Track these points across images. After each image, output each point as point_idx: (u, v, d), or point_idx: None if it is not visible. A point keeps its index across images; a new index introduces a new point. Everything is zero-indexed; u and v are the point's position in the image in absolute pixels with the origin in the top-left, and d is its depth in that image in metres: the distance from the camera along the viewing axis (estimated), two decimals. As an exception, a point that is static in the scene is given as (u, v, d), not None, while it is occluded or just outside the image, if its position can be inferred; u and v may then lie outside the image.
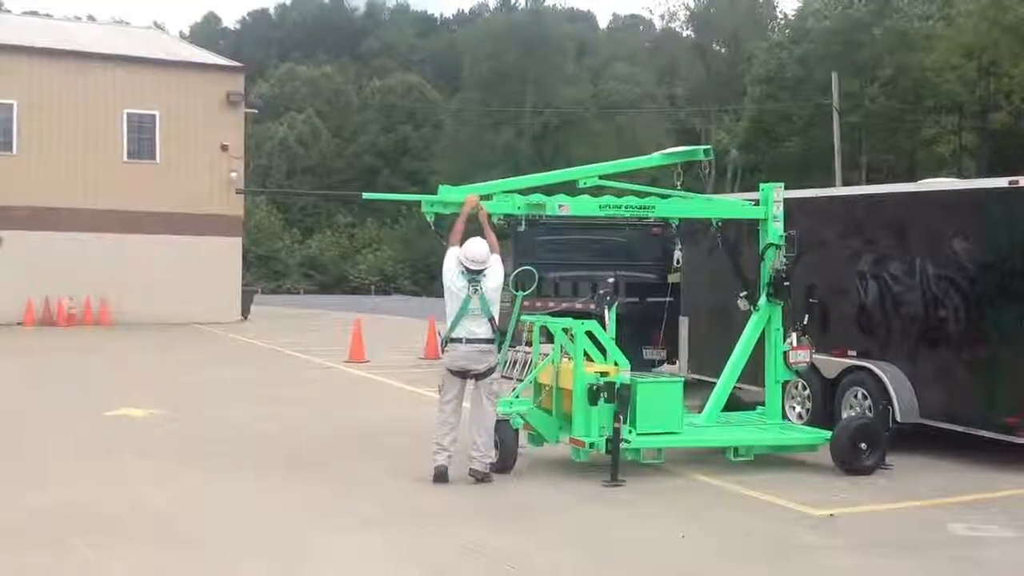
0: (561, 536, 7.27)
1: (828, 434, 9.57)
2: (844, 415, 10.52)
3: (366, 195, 11.24)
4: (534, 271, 9.98)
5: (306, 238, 75.51)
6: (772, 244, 9.86)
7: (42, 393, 14.82)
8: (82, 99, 29.89)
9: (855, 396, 10.63)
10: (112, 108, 30.26)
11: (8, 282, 28.08)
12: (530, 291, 10.11)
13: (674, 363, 14.99)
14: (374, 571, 6.53)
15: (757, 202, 10.15)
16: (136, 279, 29.22)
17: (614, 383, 8.82)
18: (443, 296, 9.04)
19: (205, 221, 30.54)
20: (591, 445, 8.84)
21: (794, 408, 11.35)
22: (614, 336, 9.40)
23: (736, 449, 9.46)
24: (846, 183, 39.31)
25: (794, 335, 9.83)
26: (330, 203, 77.91)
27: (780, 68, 55.38)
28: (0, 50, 29.44)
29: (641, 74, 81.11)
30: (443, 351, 8.93)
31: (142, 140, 30.71)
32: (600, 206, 9.64)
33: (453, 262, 8.87)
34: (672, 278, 15.39)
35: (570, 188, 9.92)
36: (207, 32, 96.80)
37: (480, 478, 8.67)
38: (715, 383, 10.33)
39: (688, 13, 78.49)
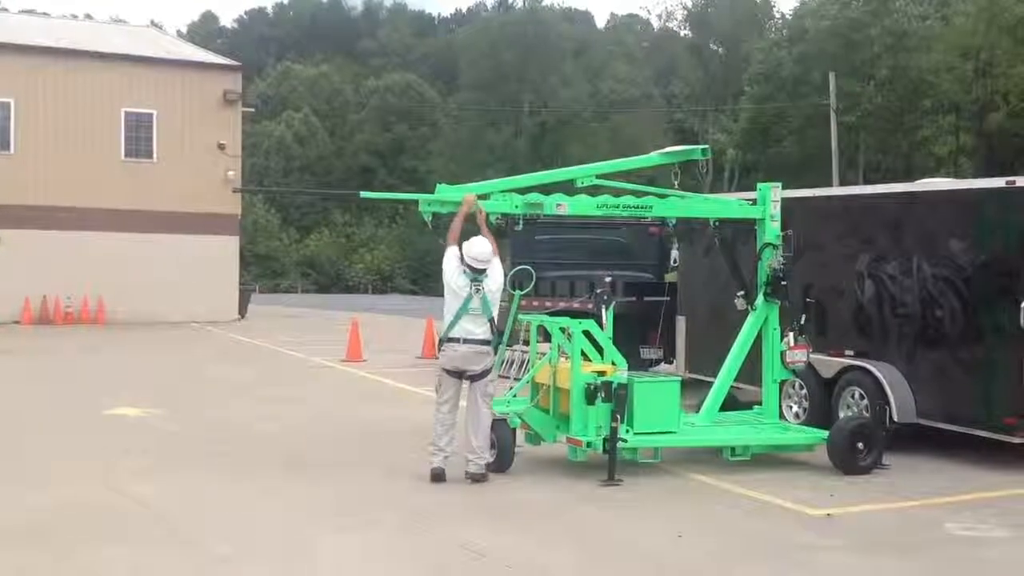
0: (559, 535, 7.27)
1: (825, 434, 9.58)
2: (841, 415, 10.54)
3: (364, 194, 11.22)
4: (531, 270, 9.98)
5: (303, 237, 75.54)
6: (769, 244, 9.87)
7: (40, 393, 14.81)
8: (79, 98, 29.88)
9: (852, 396, 10.64)
10: (109, 107, 30.25)
11: (5, 281, 28.06)
12: (528, 290, 10.12)
13: (671, 362, 14.99)
14: (373, 570, 6.54)
15: (754, 202, 10.16)
16: (133, 278, 29.20)
17: (611, 382, 8.82)
18: (441, 295, 9.04)
19: (202, 220, 30.52)
20: (588, 444, 8.84)
21: (791, 408, 11.36)
22: (611, 335, 9.42)
23: (733, 449, 9.47)
24: (843, 183, 39.36)
25: (791, 335, 9.84)
26: (327, 202, 77.91)
27: (777, 68, 55.43)
28: (-3, 49, 29.45)
29: (638, 74, 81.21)
30: (440, 350, 8.91)
31: (139, 139, 30.70)
32: (598, 205, 9.65)
33: (454, 261, 8.85)
34: (669, 277, 15.40)
35: (568, 187, 9.92)
36: (204, 31, 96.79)
37: (477, 479, 8.68)
38: (712, 382, 10.35)
39: (685, 13, 78.49)
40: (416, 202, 9.36)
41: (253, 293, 35.25)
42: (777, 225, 9.93)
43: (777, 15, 74.34)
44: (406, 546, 6.99)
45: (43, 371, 17.77)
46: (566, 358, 9.25)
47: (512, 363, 15.51)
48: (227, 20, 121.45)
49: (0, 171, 28.82)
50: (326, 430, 11.54)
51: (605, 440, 8.74)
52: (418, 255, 66.69)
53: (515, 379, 13.29)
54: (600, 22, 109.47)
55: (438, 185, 9.38)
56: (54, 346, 22.22)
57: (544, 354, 9.66)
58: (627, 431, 8.95)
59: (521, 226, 9.70)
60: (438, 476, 8.63)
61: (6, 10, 38.72)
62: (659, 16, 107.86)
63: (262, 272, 66.96)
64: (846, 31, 50.54)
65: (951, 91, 48.58)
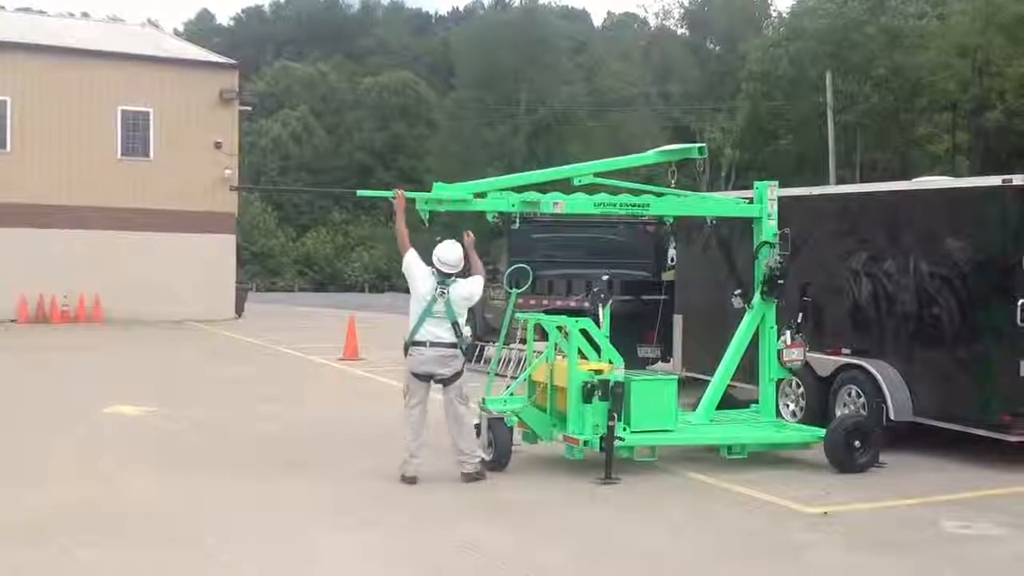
0: (556, 533, 7.28)
1: (822, 432, 9.59)
2: (838, 413, 10.55)
3: (360, 192, 11.18)
4: (528, 269, 9.98)
5: (300, 235, 75.49)
6: (766, 242, 9.88)
7: (37, 392, 14.80)
8: (76, 96, 29.84)
9: (849, 394, 10.65)
10: (106, 105, 30.22)
11: (1, 280, 28.03)
12: (524, 289, 10.12)
13: (668, 361, 15.01)
14: (372, 569, 6.54)
15: (751, 200, 10.17)
16: (129, 277, 29.17)
17: (608, 381, 8.83)
18: None
19: (199, 218, 30.50)
20: (585, 443, 8.85)
21: (788, 406, 11.37)
22: (608, 334, 9.42)
23: (730, 447, 9.48)
24: (840, 181, 39.38)
25: (788, 333, 9.86)
26: (325, 200, 77.84)
27: (774, 66, 55.41)
28: (-6, 47, 29.41)
29: (636, 72, 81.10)
30: (407, 355, 8.81)
31: (136, 137, 30.67)
32: (595, 204, 9.65)
33: (421, 266, 8.83)
34: (667, 276, 15.41)
35: (565, 186, 9.93)
36: (201, 29, 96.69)
37: (474, 479, 8.67)
38: (709, 381, 10.36)
39: (682, 11, 78.61)
40: (412, 200, 9.36)
41: (250, 292, 35.17)
42: (774, 224, 9.94)
43: (774, 13, 74.45)
44: (404, 545, 6.99)
45: (40, 370, 17.75)
46: (563, 356, 9.25)
47: (509, 361, 15.52)
48: (224, 18, 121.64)
49: (-3, 169, 28.80)
50: (324, 429, 11.54)
51: (602, 438, 8.75)
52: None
53: (512, 377, 13.30)
54: (597, 20, 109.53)
55: (435, 184, 9.38)
56: (51, 345, 22.20)
57: (541, 352, 9.67)
58: (624, 429, 8.96)
59: (518, 225, 9.71)
60: (412, 482, 8.60)
61: (2, 8, 38.58)
62: (656, 14, 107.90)
63: (259, 270, 66.93)
64: (843, 30, 50.55)
65: (948, 89, 48.57)
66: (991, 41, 44.65)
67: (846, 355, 10.81)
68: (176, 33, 73.42)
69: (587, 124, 71.77)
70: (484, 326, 17.83)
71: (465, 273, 9.03)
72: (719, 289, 11.15)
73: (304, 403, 13.85)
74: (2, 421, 11.95)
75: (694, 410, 10.17)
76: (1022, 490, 8.90)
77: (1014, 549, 7.18)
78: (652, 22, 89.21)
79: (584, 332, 9.24)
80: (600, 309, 9.67)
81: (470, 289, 8.89)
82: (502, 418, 9.18)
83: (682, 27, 79.85)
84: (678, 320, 13.97)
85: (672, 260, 15.62)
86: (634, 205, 9.88)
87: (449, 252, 8.83)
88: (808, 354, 10.11)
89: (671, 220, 11.72)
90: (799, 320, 9.94)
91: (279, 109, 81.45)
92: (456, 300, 8.74)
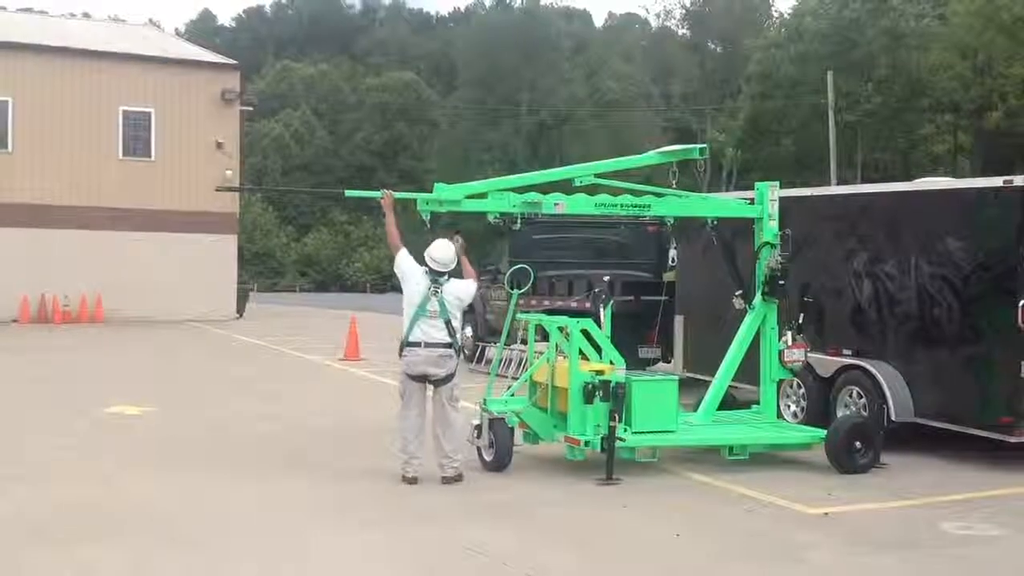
0: (557, 534, 7.28)
1: (823, 433, 9.58)
2: (839, 414, 10.54)
3: (349, 192, 11.10)
4: (530, 269, 9.98)
5: (302, 236, 75.55)
6: (767, 243, 9.88)
7: (38, 391, 14.80)
8: (77, 96, 29.87)
9: (850, 395, 10.64)
10: (107, 105, 30.24)
11: (2, 280, 28.05)
12: (526, 289, 10.12)
13: (669, 362, 15.00)
14: (373, 570, 6.54)
15: (752, 201, 10.17)
16: (131, 277, 29.20)
17: (609, 381, 8.83)
18: None
19: (200, 219, 30.52)
20: (586, 444, 8.85)
21: (789, 407, 11.36)
22: (609, 335, 9.42)
23: (731, 448, 9.48)
24: (841, 182, 39.37)
25: (789, 334, 9.85)
26: (326, 201, 77.87)
27: (776, 67, 55.43)
28: (-5, 47, 29.43)
29: (637, 73, 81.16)
30: (401, 356, 8.77)
31: (137, 137, 30.70)
32: (596, 204, 9.65)
33: (413, 265, 8.79)
34: (668, 277, 15.40)
35: (566, 187, 9.93)
36: (203, 29, 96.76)
37: (454, 481, 8.62)
38: (710, 382, 10.35)
39: (684, 12, 78.61)
40: (411, 201, 9.36)
41: (251, 292, 35.19)
42: (775, 224, 9.94)
43: (775, 14, 74.48)
44: (406, 545, 6.99)
45: (41, 370, 17.75)
46: (564, 357, 9.25)
47: (510, 362, 15.51)
48: (225, 19, 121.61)
49: (-2, 170, 28.81)
50: (325, 429, 11.54)
51: (603, 439, 8.74)
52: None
53: (513, 378, 13.29)
54: (598, 21, 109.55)
55: (436, 184, 9.38)
56: (52, 345, 22.21)
57: (542, 353, 9.66)
58: (625, 430, 8.95)
59: (519, 225, 9.70)
60: (413, 482, 8.58)
61: (4, 8, 38.61)
62: (657, 15, 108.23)
63: (260, 271, 66.96)
64: (844, 31, 50.57)
65: (949, 90, 48.62)
66: (992, 42, 44.67)
67: (847, 356, 10.81)
68: (178, 33, 73.45)
69: (588, 124, 71.85)
70: (485, 327, 17.84)
71: (458, 274, 9.03)
72: (720, 290, 11.14)
73: (305, 403, 13.85)
74: (3, 421, 11.95)
75: (695, 411, 10.16)
76: (1023, 491, 8.90)
77: (1015, 550, 7.17)
78: (653, 23, 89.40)
79: (585, 333, 9.24)
80: (601, 310, 9.67)
81: (463, 289, 8.88)
82: (503, 419, 9.18)
83: (683, 28, 79.91)
84: (679, 321, 13.97)
85: (673, 261, 15.61)
86: (635, 206, 9.88)
87: (441, 251, 8.82)
88: (809, 355, 10.10)
89: (672, 221, 11.71)
90: (800, 321, 9.93)
91: (281, 109, 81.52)
92: (449, 299, 8.73)
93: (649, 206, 9.93)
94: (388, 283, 69.52)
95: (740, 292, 10.20)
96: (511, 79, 73.31)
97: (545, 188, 9.79)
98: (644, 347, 15.13)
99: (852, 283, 10.92)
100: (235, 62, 33.94)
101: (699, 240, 13.06)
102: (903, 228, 10.48)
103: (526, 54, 73.15)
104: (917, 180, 12.64)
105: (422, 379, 8.76)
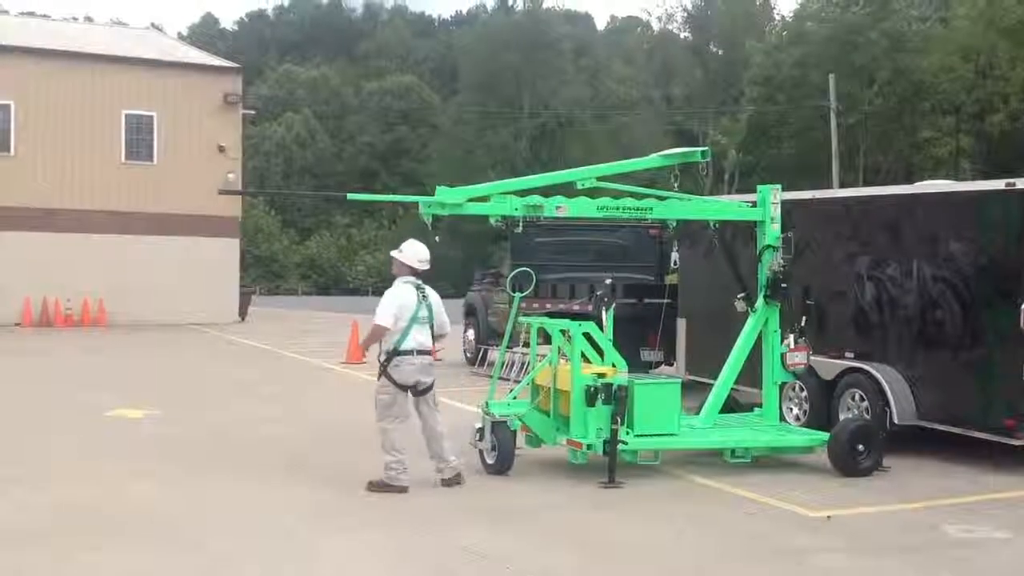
0: (559, 537, 7.28)
1: (825, 436, 9.58)
2: (841, 417, 10.53)
3: (350, 196, 11.09)
4: (532, 272, 9.98)
5: (304, 239, 75.60)
6: (769, 246, 9.88)
7: (41, 394, 14.82)
8: (80, 100, 29.91)
9: (852, 398, 10.64)
10: (110, 109, 30.29)
11: (5, 283, 28.10)
12: (528, 292, 10.11)
13: (671, 365, 15.00)
14: (374, 571, 6.54)
15: (754, 204, 10.17)
16: (133, 280, 29.24)
17: (611, 385, 8.82)
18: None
19: (202, 222, 30.55)
20: (588, 447, 8.84)
21: (791, 410, 11.36)
22: (611, 338, 9.41)
23: (733, 451, 9.47)
24: (843, 185, 39.37)
25: (791, 337, 9.85)
26: (329, 204, 77.93)
27: (777, 70, 55.44)
28: (-2, 51, 29.48)
29: (639, 76, 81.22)
30: (392, 364, 8.50)
31: (140, 141, 30.74)
32: (598, 208, 9.64)
33: (394, 291, 8.69)
34: (670, 280, 15.41)
35: (568, 190, 9.92)
36: (205, 33, 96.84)
37: (456, 483, 8.57)
38: (712, 385, 10.35)
39: (685, 15, 78.64)
40: (409, 203, 9.35)
41: (253, 295, 35.20)
42: (777, 227, 9.94)
43: (777, 17, 74.50)
44: (407, 548, 6.99)
45: (44, 373, 17.77)
46: (566, 360, 9.24)
47: (512, 365, 15.51)
48: (227, 22, 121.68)
49: (0, 173, 28.83)
50: (327, 432, 11.54)
51: (605, 442, 8.74)
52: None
53: (515, 381, 13.29)
54: (600, 24, 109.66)
55: (437, 188, 9.38)
56: (55, 348, 22.23)
57: (544, 356, 9.66)
58: (627, 433, 8.94)
59: (521, 228, 9.70)
60: (404, 490, 8.46)
61: (6, 12, 38.69)
62: (659, 18, 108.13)
63: (262, 274, 67.00)
64: (846, 33, 50.57)
65: (951, 93, 48.61)
66: (994, 44, 44.66)
67: (849, 359, 10.81)
68: (180, 37, 73.58)
69: (590, 128, 71.86)
70: (487, 330, 17.84)
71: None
72: (722, 293, 11.14)
73: (306, 406, 13.86)
74: (5, 423, 11.96)
75: (697, 414, 10.16)
76: (1026, 494, 8.90)
77: (1017, 553, 7.16)
78: (655, 25, 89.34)
79: (587, 336, 9.24)
80: (603, 313, 9.66)
81: (437, 295, 8.84)
82: (505, 422, 9.17)
83: (685, 31, 79.90)
84: (681, 324, 13.97)
85: (675, 264, 15.61)
86: (637, 209, 9.87)
87: (425, 250, 8.82)
88: (811, 358, 10.09)
89: (674, 224, 11.71)
90: (802, 324, 9.93)
91: (283, 113, 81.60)
92: (434, 302, 8.71)
93: (651, 209, 9.93)
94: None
95: (742, 295, 10.20)
96: (512, 82, 73.37)
97: (547, 191, 9.79)
98: (646, 350, 15.13)
99: (854, 286, 10.91)
100: (237, 65, 34.00)
101: (701, 243, 13.07)
102: (905, 231, 10.48)
103: (528, 57, 73.20)
104: (919, 183, 12.64)
105: (410, 388, 8.62)
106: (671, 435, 9.26)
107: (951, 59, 47.83)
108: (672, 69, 77.21)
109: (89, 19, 52.09)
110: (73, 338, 24.71)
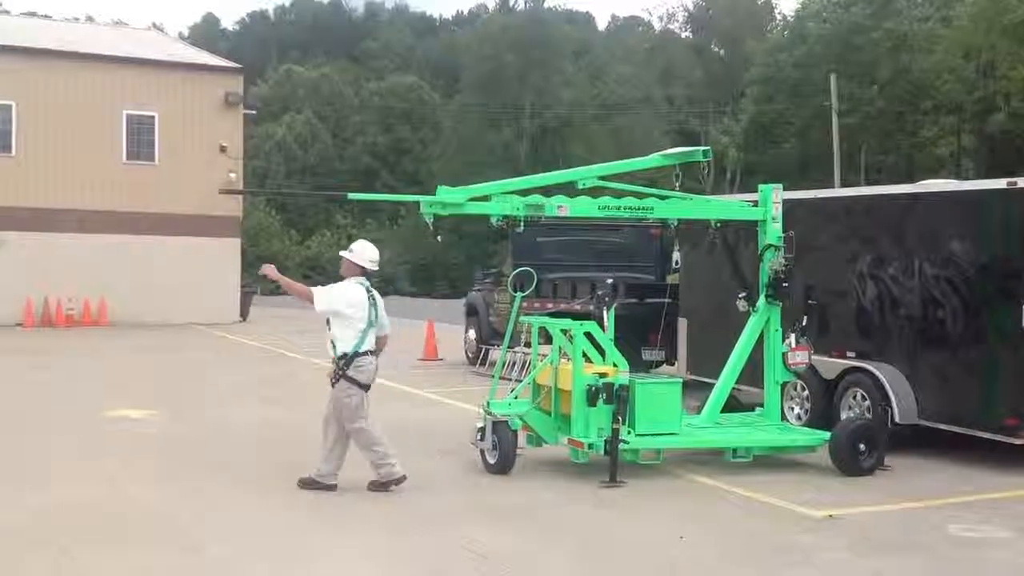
0: (560, 537, 7.28)
1: (827, 435, 9.58)
2: (843, 416, 10.53)
3: (351, 195, 11.14)
4: (533, 272, 9.98)
5: (305, 239, 75.56)
6: (771, 245, 9.87)
7: (42, 394, 14.82)
8: (81, 100, 29.88)
9: (854, 397, 10.63)
10: (111, 109, 30.25)
11: (7, 283, 28.07)
12: (529, 292, 10.11)
13: (673, 364, 14.99)
14: (374, 571, 6.54)
15: (756, 203, 10.16)
16: (135, 280, 29.21)
17: (613, 384, 8.82)
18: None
19: (204, 222, 30.51)
20: (590, 446, 8.84)
21: (793, 409, 11.36)
22: (612, 337, 9.41)
23: (735, 450, 9.47)
24: (845, 184, 39.34)
25: (793, 336, 9.84)
26: (330, 204, 77.96)
27: (779, 70, 55.40)
28: (-1, 51, 29.48)
29: (640, 75, 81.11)
30: (355, 367, 8.53)
31: (141, 141, 30.70)
32: (599, 207, 9.64)
33: (341, 286, 8.68)
34: (672, 279, 15.40)
35: (569, 189, 9.92)
36: (206, 33, 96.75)
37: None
38: (714, 384, 10.34)
39: (687, 14, 78.64)
40: (408, 203, 9.36)
41: (255, 295, 35.17)
42: (779, 227, 9.93)
43: (778, 16, 74.47)
44: (407, 547, 6.99)
45: (45, 373, 17.76)
46: (567, 360, 9.24)
47: (513, 365, 15.51)
48: (228, 22, 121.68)
49: (2, 173, 28.84)
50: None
51: (607, 442, 8.74)
52: (419, 257, 66.69)
53: (516, 381, 13.28)
54: (601, 24, 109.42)
55: (439, 187, 9.39)
56: (56, 348, 22.23)
57: (545, 355, 9.66)
58: (629, 433, 8.95)
59: (522, 228, 9.70)
60: (401, 480, 8.44)
61: (7, 12, 38.71)
62: (660, 18, 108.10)
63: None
64: (847, 33, 50.55)
65: (953, 92, 48.54)
66: (996, 44, 44.63)
67: (851, 358, 10.80)
68: (181, 37, 73.58)
69: (591, 127, 71.82)
70: (488, 329, 17.83)
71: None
72: (724, 292, 11.13)
73: (307, 406, 13.82)
74: (6, 423, 11.96)
75: (699, 413, 10.15)
76: (1028, 493, 8.89)
77: (1019, 552, 7.16)
78: (656, 25, 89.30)
79: (588, 335, 9.23)
80: (604, 312, 9.66)
81: (379, 298, 8.82)
82: (506, 421, 9.17)
83: (686, 30, 79.90)
84: (683, 323, 13.96)
85: (676, 263, 15.61)
86: (638, 208, 9.87)
87: (375, 250, 8.86)
88: (813, 357, 10.09)
89: (675, 223, 11.70)
90: (804, 323, 9.92)
91: (284, 113, 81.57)
92: (380, 302, 8.71)
93: (652, 208, 9.93)
94: (391, 286, 69.67)
95: (744, 294, 10.19)
96: (514, 82, 73.31)
97: (548, 191, 9.79)
98: (647, 350, 15.12)
99: (856, 285, 10.91)
100: (238, 65, 33.96)
101: (702, 242, 13.06)
102: (907, 230, 10.47)
103: (529, 57, 73.13)
104: (920, 182, 12.62)
105: (368, 388, 8.64)
106: (672, 434, 9.27)
107: (953, 59, 47.79)
108: (673, 69, 77.17)
109: (90, 19, 52.14)
110: (74, 338, 24.71)
